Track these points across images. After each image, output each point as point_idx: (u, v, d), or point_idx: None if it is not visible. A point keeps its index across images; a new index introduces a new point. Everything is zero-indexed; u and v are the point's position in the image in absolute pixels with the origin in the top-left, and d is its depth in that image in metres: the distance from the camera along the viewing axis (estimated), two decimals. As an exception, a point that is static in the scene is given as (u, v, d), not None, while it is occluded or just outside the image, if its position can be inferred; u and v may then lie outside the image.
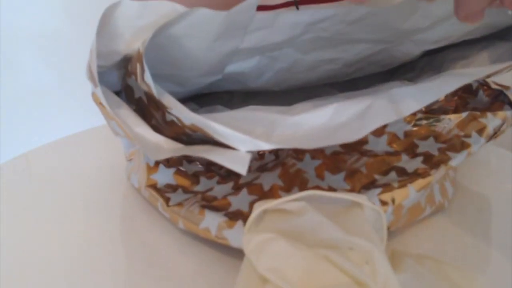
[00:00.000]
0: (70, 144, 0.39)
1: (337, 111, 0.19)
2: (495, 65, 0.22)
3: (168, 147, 0.19)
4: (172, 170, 0.27)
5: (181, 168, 0.27)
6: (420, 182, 0.23)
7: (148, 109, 0.21)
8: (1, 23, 0.56)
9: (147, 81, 0.19)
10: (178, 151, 0.18)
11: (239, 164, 0.16)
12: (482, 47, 0.27)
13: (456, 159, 0.25)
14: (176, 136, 0.21)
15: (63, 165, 0.35)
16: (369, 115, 0.19)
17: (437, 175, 0.24)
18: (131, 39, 0.21)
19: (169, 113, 0.19)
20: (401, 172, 0.24)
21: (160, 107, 0.20)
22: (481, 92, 0.30)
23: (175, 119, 0.20)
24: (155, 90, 0.19)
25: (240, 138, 0.17)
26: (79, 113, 0.59)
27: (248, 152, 0.17)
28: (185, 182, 0.27)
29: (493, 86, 0.29)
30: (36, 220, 0.28)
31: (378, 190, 0.23)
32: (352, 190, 0.24)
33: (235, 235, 0.22)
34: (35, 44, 0.59)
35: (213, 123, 0.17)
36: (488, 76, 0.23)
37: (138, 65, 0.20)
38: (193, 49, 0.22)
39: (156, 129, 0.21)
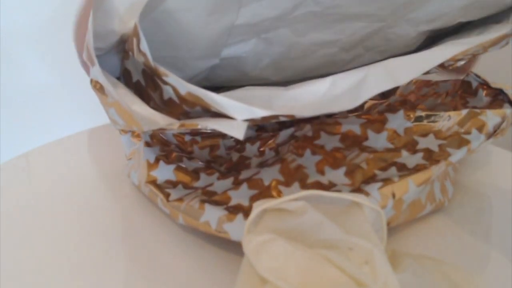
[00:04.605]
0: (70, 144, 0.39)
1: (334, 83, 0.19)
2: (489, 34, 0.23)
3: (164, 123, 0.19)
4: (172, 166, 0.27)
5: (181, 165, 0.28)
6: (420, 176, 0.23)
7: (146, 92, 0.22)
8: (0, 21, 0.56)
9: (143, 49, 0.19)
10: (175, 123, 0.18)
11: (236, 130, 0.16)
12: (478, 33, 0.27)
13: (456, 155, 0.25)
14: (175, 118, 0.21)
15: (63, 165, 0.35)
16: (366, 84, 0.19)
17: (436, 170, 0.24)
18: (126, 16, 0.21)
19: (165, 83, 0.19)
20: (402, 167, 0.24)
21: (157, 84, 0.20)
22: (480, 92, 0.30)
23: (172, 94, 0.20)
24: (150, 57, 0.19)
25: (237, 106, 0.17)
26: (79, 113, 0.59)
27: (245, 120, 0.17)
28: (185, 178, 0.27)
29: (493, 85, 0.29)
30: (36, 220, 0.28)
31: (379, 184, 0.23)
32: (352, 185, 0.24)
33: (236, 228, 0.22)
34: (35, 43, 0.59)
35: (209, 92, 0.17)
36: (485, 48, 0.23)
37: (134, 39, 0.20)
38: (189, 24, 0.22)
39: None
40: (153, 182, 0.27)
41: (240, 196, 0.24)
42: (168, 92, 0.20)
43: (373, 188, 0.23)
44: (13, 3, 0.56)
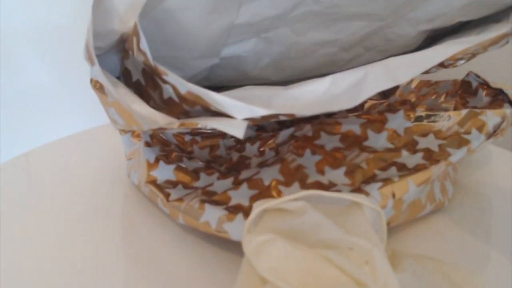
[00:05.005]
0: (70, 144, 0.39)
1: (334, 82, 0.19)
2: (489, 33, 0.23)
3: (164, 122, 0.19)
4: (172, 166, 0.27)
5: (181, 165, 0.28)
6: (420, 176, 0.23)
7: (146, 91, 0.22)
8: (0, 21, 0.56)
9: (143, 48, 0.19)
10: (175, 122, 0.18)
11: (235, 129, 0.16)
12: (478, 32, 0.27)
13: (456, 155, 0.25)
14: (175, 117, 0.21)
15: (63, 165, 0.35)
16: (365, 83, 0.19)
17: (436, 170, 0.24)
18: (126, 15, 0.21)
19: (165, 82, 0.19)
20: (402, 167, 0.24)
21: (157, 83, 0.20)
22: (480, 92, 0.30)
23: (172, 93, 0.20)
24: (150, 56, 0.19)
25: (237, 105, 0.17)
26: (79, 113, 0.59)
27: (245, 119, 0.17)
28: (185, 178, 0.27)
29: (493, 85, 0.29)
30: (36, 220, 0.28)
31: (379, 184, 0.23)
32: (352, 185, 0.24)
33: (236, 228, 0.22)
34: (35, 43, 0.59)
35: (209, 91, 0.17)
36: (484, 47, 0.23)
37: (134, 38, 0.20)
38: (189, 23, 0.22)
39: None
40: (153, 182, 0.27)
41: (240, 196, 0.24)
42: (168, 91, 0.20)
43: (373, 188, 0.23)
44: (13, 4, 0.56)
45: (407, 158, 0.25)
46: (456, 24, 0.28)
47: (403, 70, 0.19)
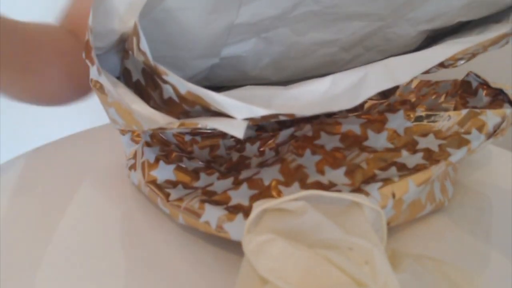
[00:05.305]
0: (70, 144, 0.39)
1: (334, 82, 0.19)
2: (489, 33, 0.23)
3: (164, 122, 0.19)
4: (172, 166, 0.27)
5: (181, 165, 0.28)
6: (420, 176, 0.23)
7: (146, 91, 0.22)
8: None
9: (143, 48, 0.19)
10: (175, 122, 0.18)
11: (235, 129, 0.16)
12: (478, 32, 0.27)
13: (456, 155, 0.25)
14: (175, 117, 0.21)
15: (63, 165, 0.35)
16: (366, 83, 0.19)
17: (436, 170, 0.24)
18: (126, 15, 0.21)
19: (165, 82, 0.19)
20: (402, 167, 0.24)
21: (157, 83, 0.20)
22: (480, 91, 0.30)
23: (172, 93, 0.20)
24: (150, 56, 0.19)
25: (237, 105, 0.17)
26: (79, 113, 0.59)
27: (245, 119, 0.17)
28: (185, 178, 0.27)
29: (493, 85, 0.29)
30: (36, 220, 0.28)
31: (379, 184, 0.23)
32: (352, 185, 0.24)
33: (236, 228, 0.22)
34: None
35: (209, 91, 0.17)
36: (484, 47, 0.23)
37: (134, 38, 0.20)
38: (189, 23, 0.22)
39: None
40: (153, 182, 0.27)
41: (240, 196, 0.24)
42: (168, 91, 0.20)
43: (373, 188, 0.23)
44: (13, 3, 0.56)
45: (407, 158, 0.25)
46: (456, 24, 0.29)
47: (403, 70, 0.19)
